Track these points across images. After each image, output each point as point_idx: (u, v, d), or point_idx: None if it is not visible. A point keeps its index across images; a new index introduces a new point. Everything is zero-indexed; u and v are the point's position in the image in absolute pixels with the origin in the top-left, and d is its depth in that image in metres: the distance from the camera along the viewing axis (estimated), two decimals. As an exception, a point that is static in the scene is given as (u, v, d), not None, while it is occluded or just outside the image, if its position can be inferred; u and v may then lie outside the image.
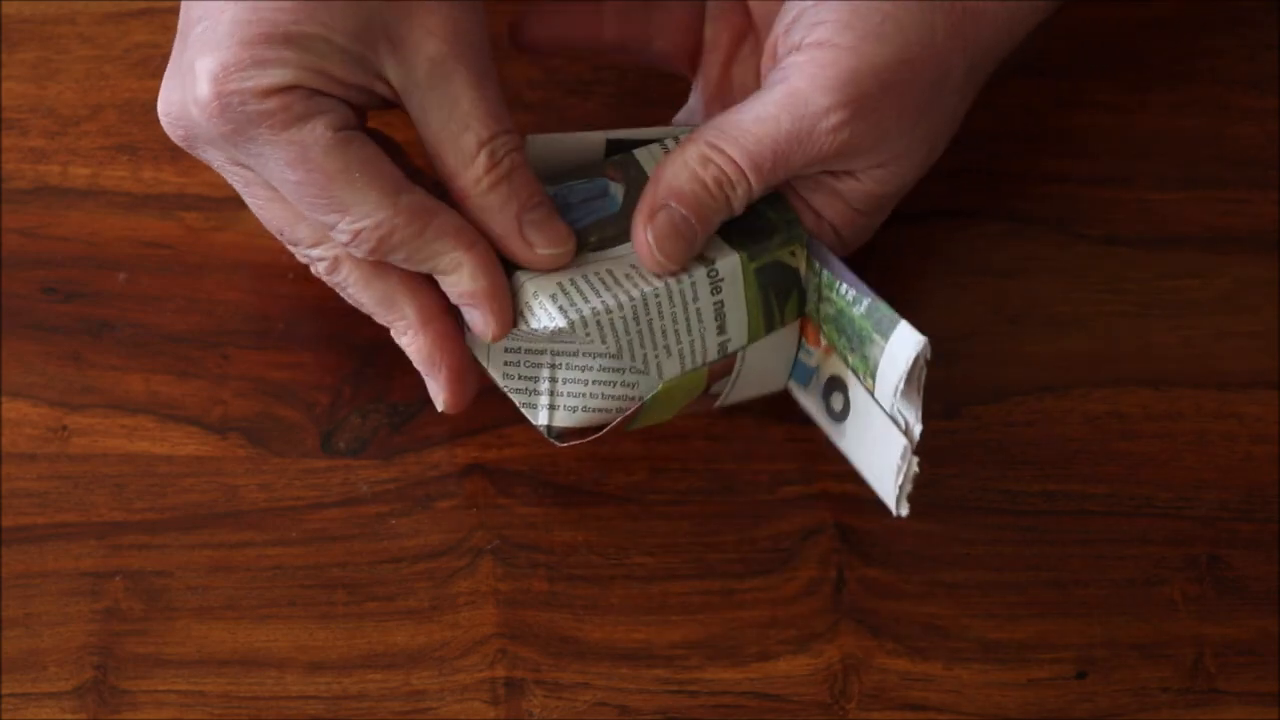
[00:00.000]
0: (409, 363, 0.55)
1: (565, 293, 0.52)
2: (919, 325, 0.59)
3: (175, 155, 0.60)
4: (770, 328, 0.54)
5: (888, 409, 0.53)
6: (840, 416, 0.55)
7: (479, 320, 0.52)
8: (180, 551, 0.57)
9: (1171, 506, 0.58)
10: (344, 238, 0.51)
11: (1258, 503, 0.58)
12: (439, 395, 0.54)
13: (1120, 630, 0.56)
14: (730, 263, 0.53)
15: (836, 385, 0.55)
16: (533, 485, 0.58)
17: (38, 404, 0.58)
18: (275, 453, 0.58)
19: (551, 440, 0.53)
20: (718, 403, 0.56)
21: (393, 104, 0.51)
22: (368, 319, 0.54)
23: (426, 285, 0.53)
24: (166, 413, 0.58)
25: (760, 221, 0.53)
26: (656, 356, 0.53)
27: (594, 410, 0.53)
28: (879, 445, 0.53)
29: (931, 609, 0.56)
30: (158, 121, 0.57)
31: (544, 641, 0.56)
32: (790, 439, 0.58)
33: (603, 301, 0.52)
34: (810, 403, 0.56)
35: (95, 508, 0.57)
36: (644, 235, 0.52)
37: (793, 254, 0.53)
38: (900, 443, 0.52)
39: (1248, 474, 0.58)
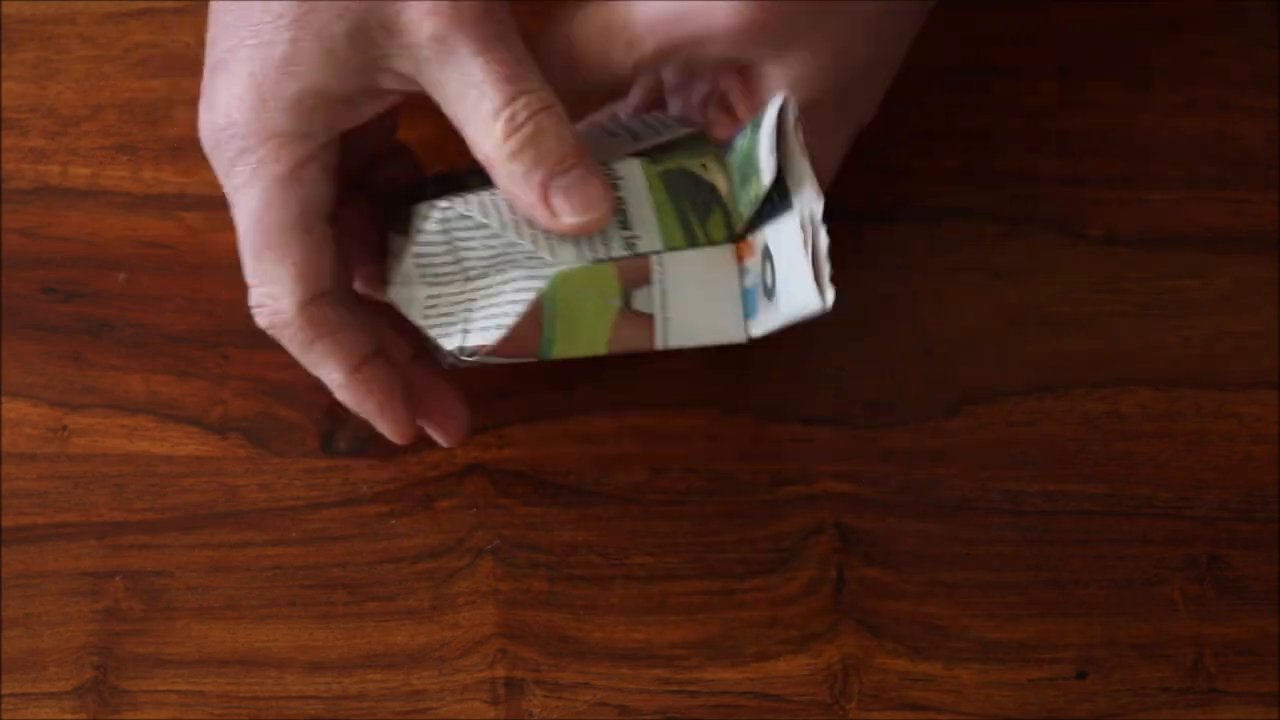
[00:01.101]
0: (409, 363, 0.55)
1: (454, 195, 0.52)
2: (919, 324, 0.59)
3: (175, 155, 0.60)
4: (692, 241, 0.52)
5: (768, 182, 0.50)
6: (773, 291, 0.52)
7: (375, 425, 0.54)
8: (180, 551, 0.57)
9: (1171, 506, 0.58)
10: (252, 299, 0.52)
11: (1258, 503, 0.58)
12: (387, 431, 0.55)
13: (1120, 630, 0.56)
14: (628, 165, 0.51)
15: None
16: (533, 485, 0.58)
17: (38, 404, 0.58)
18: (275, 453, 0.58)
19: (465, 360, 0.51)
20: (657, 338, 0.52)
21: (414, 93, 0.51)
22: (368, 319, 0.54)
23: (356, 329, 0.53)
24: (166, 413, 0.58)
25: (670, 138, 0.53)
26: (548, 238, 0.51)
27: (507, 323, 0.51)
28: (786, 250, 0.51)
29: (931, 609, 0.56)
30: (158, 121, 0.58)
31: (544, 641, 0.56)
32: (790, 439, 0.58)
33: (488, 190, 0.51)
34: (768, 317, 0.53)
35: (95, 508, 0.57)
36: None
37: (704, 166, 0.52)
38: (792, 221, 0.50)
39: (1248, 474, 0.58)
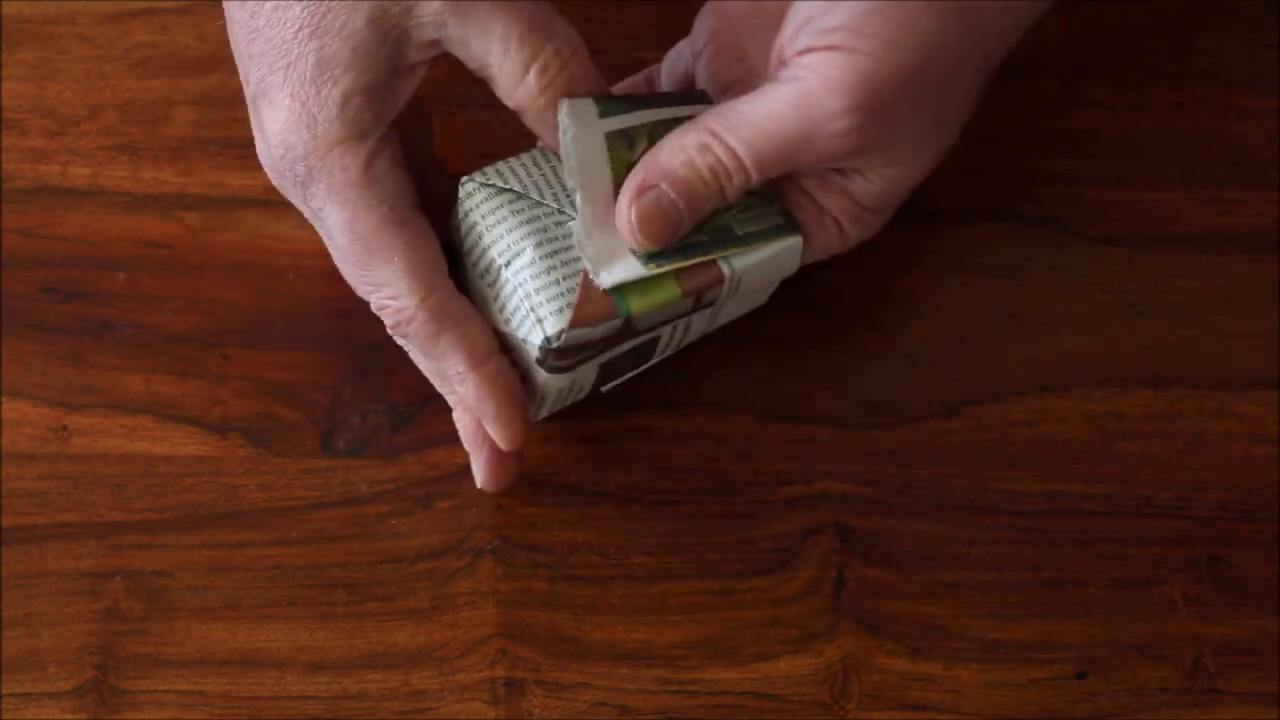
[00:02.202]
0: (409, 362, 0.55)
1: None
2: (919, 324, 0.59)
3: (175, 155, 0.60)
4: None
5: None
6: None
7: (489, 428, 0.54)
8: (180, 551, 0.57)
9: (1171, 506, 0.58)
10: (373, 306, 0.53)
11: (1258, 503, 0.58)
12: (478, 474, 0.56)
13: (1120, 630, 0.56)
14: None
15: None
16: (533, 485, 0.58)
17: (38, 404, 0.58)
18: (275, 453, 0.58)
19: (555, 358, 0.52)
20: (722, 267, 0.53)
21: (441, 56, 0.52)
22: (368, 319, 0.54)
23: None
24: (166, 413, 0.58)
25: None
26: (569, 195, 0.52)
27: (568, 296, 0.52)
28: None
29: (931, 609, 0.56)
30: (158, 121, 0.58)
31: (544, 641, 0.56)
32: (790, 439, 0.58)
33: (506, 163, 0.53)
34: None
35: (95, 508, 0.57)
36: (627, 212, 0.52)
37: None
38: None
39: (1248, 474, 0.58)
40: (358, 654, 0.56)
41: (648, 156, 0.52)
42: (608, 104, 0.52)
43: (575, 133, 0.51)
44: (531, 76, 0.51)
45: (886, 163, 0.53)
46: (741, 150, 0.51)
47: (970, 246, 0.60)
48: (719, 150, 0.51)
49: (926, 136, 0.53)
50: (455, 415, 0.55)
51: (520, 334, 0.52)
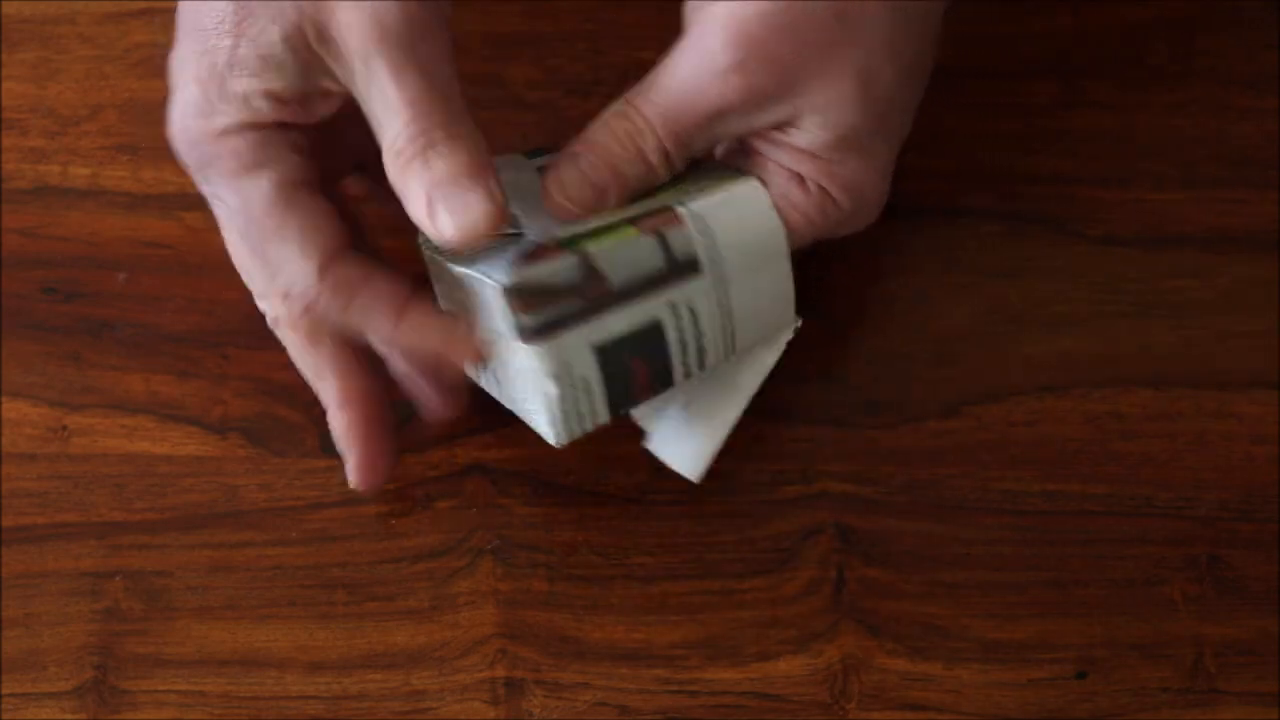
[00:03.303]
0: (409, 363, 0.55)
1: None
2: (919, 324, 0.59)
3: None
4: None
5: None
6: None
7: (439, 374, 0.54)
8: (180, 551, 0.57)
9: (1171, 506, 0.58)
10: (277, 298, 0.51)
11: (1258, 503, 0.58)
12: (349, 475, 0.55)
13: (1120, 630, 0.56)
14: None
15: None
16: (533, 485, 0.58)
17: (38, 404, 0.58)
18: (275, 453, 0.58)
19: (522, 307, 0.51)
20: (684, 222, 0.53)
21: (347, 103, 0.51)
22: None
23: (356, 366, 0.54)
24: (166, 413, 0.58)
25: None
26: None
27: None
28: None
29: (931, 609, 0.57)
30: (158, 121, 0.57)
31: (544, 641, 0.56)
32: (790, 439, 0.58)
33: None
34: None
35: (95, 508, 0.57)
36: (552, 177, 0.52)
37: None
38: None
39: (1248, 474, 0.58)
40: (358, 654, 0.56)
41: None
42: (533, 152, 0.54)
43: (509, 175, 0.52)
44: (401, 140, 0.50)
45: (811, 107, 0.52)
46: (650, 111, 0.52)
47: (970, 246, 0.60)
48: (632, 115, 0.52)
49: (832, 70, 0.52)
50: (329, 415, 0.55)
51: (490, 313, 0.51)
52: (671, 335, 0.52)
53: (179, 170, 0.60)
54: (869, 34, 0.52)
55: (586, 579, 0.57)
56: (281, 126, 0.51)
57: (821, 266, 0.57)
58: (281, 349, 0.57)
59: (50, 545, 0.57)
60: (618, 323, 0.51)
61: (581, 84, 0.61)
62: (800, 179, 0.54)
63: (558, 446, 0.52)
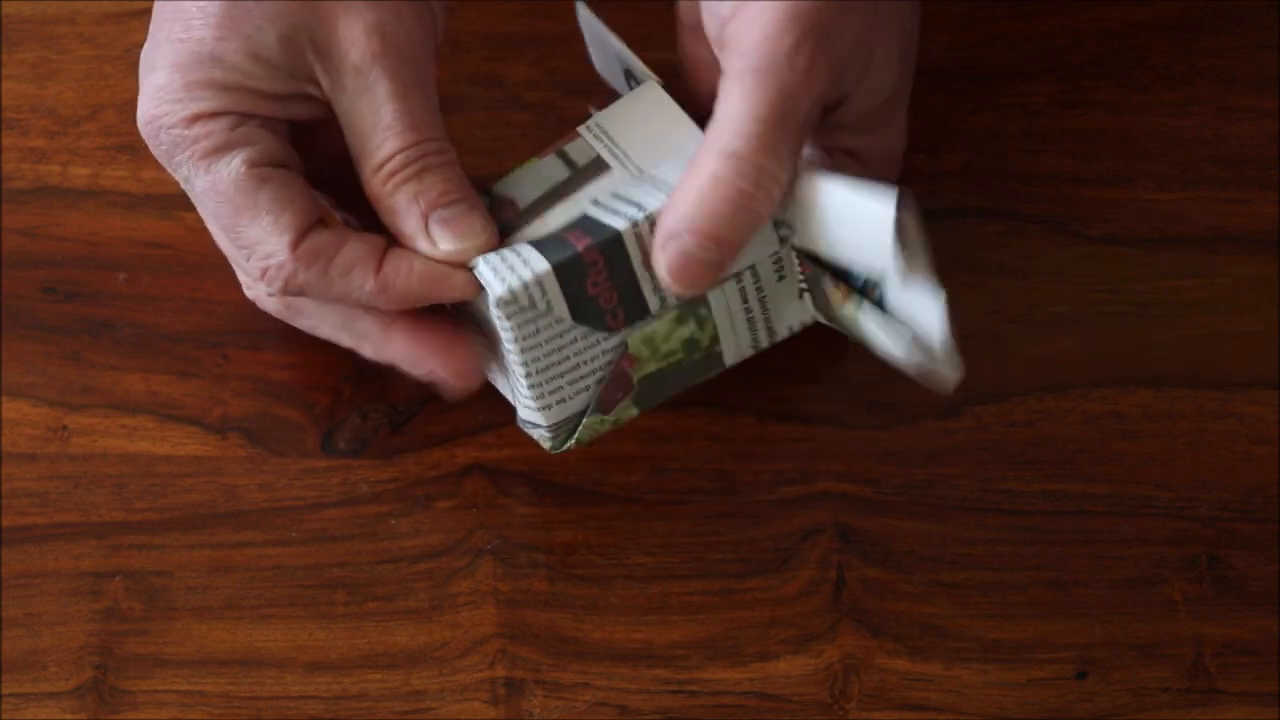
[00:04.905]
0: (409, 363, 0.55)
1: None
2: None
3: (175, 155, 0.60)
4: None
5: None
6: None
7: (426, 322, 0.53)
8: (180, 551, 0.57)
9: (1172, 506, 0.58)
10: (255, 274, 0.51)
11: (1258, 503, 0.58)
12: (448, 385, 0.54)
13: (1120, 630, 0.56)
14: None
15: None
16: (533, 485, 0.58)
17: (38, 404, 0.58)
18: (275, 453, 0.58)
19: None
20: (583, 135, 0.54)
21: (328, 111, 0.51)
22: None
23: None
24: (166, 413, 0.58)
25: None
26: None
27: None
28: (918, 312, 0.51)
29: (931, 609, 0.56)
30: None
31: (544, 641, 0.56)
32: (790, 439, 0.58)
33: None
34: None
35: (95, 508, 0.57)
36: (661, 267, 0.51)
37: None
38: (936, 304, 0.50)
39: (1248, 474, 0.58)
40: (358, 654, 0.56)
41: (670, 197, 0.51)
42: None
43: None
44: (394, 163, 0.50)
45: (857, 78, 0.51)
46: (749, 152, 0.50)
47: (970, 246, 0.60)
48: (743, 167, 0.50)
49: (875, 36, 0.51)
50: (381, 352, 0.54)
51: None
52: (595, 211, 0.53)
53: (179, 170, 0.60)
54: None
55: (586, 579, 0.57)
56: (251, 112, 0.51)
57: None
58: (281, 349, 0.58)
59: (50, 545, 0.57)
60: (543, 228, 0.53)
61: (581, 84, 0.61)
62: (882, 151, 0.54)
63: (510, 336, 0.52)
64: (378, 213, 0.52)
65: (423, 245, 0.51)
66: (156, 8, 0.52)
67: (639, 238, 0.52)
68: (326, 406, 0.58)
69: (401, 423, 0.58)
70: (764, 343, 0.55)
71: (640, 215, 0.52)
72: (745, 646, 0.56)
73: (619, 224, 0.52)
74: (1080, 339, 0.59)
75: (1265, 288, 0.59)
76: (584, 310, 0.52)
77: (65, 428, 0.58)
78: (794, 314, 0.55)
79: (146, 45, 0.51)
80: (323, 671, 0.56)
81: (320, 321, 0.54)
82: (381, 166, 0.50)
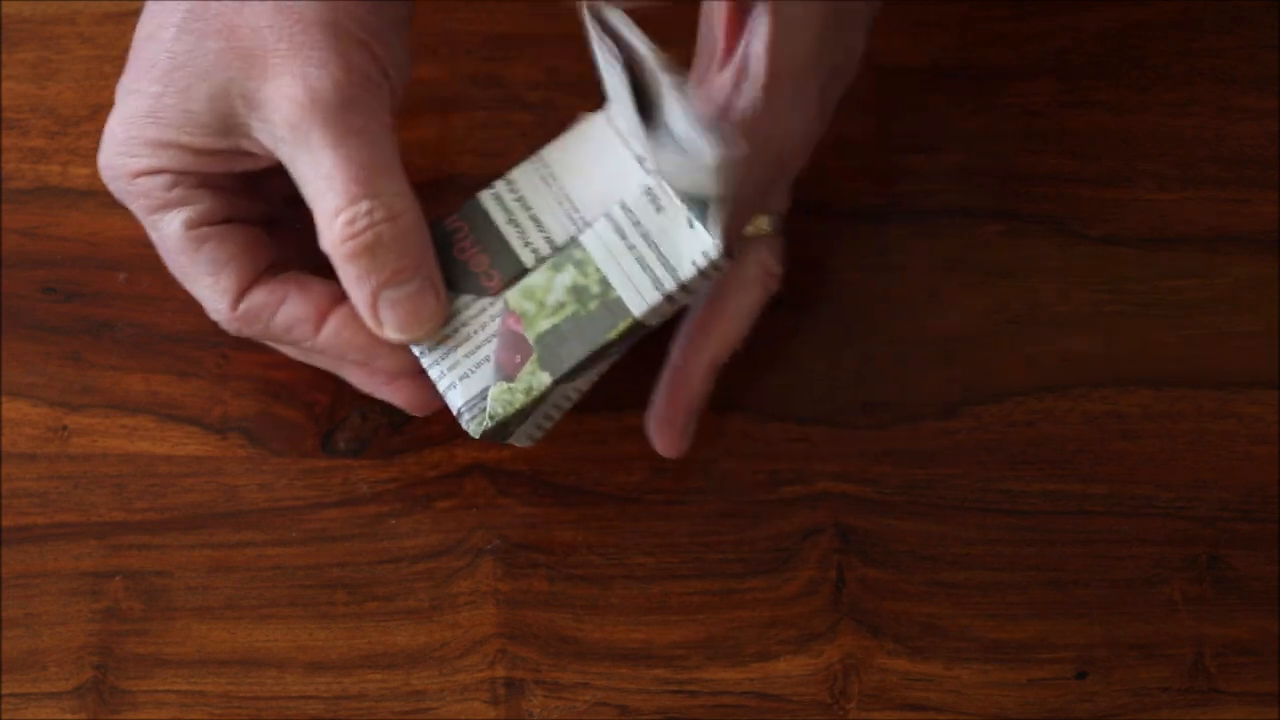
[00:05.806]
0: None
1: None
2: (919, 324, 0.59)
3: (175, 155, 0.60)
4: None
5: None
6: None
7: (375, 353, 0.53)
8: (180, 551, 0.57)
9: (1172, 506, 0.58)
10: (214, 319, 0.53)
11: (1258, 503, 0.58)
12: (406, 402, 0.54)
13: (1120, 630, 0.56)
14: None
15: None
16: (533, 485, 0.58)
17: (38, 404, 0.58)
18: (275, 453, 0.58)
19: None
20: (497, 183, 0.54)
21: (273, 158, 0.51)
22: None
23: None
24: (166, 413, 0.58)
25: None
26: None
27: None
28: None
29: (931, 609, 0.56)
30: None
31: (544, 641, 0.56)
32: (789, 439, 0.58)
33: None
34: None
35: (95, 508, 0.57)
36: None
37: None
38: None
39: (1248, 474, 0.58)
40: (358, 654, 0.56)
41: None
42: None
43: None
44: (338, 224, 0.50)
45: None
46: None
47: (970, 246, 0.60)
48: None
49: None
50: (387, 395, 0.55)
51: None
52: (484, 197, 0.53)
53: (179, 170, 0.60)
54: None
55: (586, 579, 0.57)
56: (187, 171, 0.51)
57: (821, 266, 0.57)
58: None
59: (50, 545, 0.57)
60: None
61: (581, 84, 0.61)
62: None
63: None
64: (333, 265, 0.51)
65: (370, 325, 0.51)
66: (133, 43, 0.52)
67: (498, 198, 0.53)
68: (326, 406, 0.58)
69: (401, 422, 0.58)
70: (669, 284, 0.52)
71: (503, 183, 0.53)
72: (745, 646, 0.56)
73: (494, 211, 0.53)
74: (1080, 339, 0.59)
75: (1265, 288, 0.59)
76: (459, 277, 0.52)
77: (65, 428, 0.58)
78: (692, 247, 0.52)
79: (120, 79, 0.52)
80: (323, 671, 0.56)
81: (307, 359, 0.55)
82: (331, 222, 0.50)
